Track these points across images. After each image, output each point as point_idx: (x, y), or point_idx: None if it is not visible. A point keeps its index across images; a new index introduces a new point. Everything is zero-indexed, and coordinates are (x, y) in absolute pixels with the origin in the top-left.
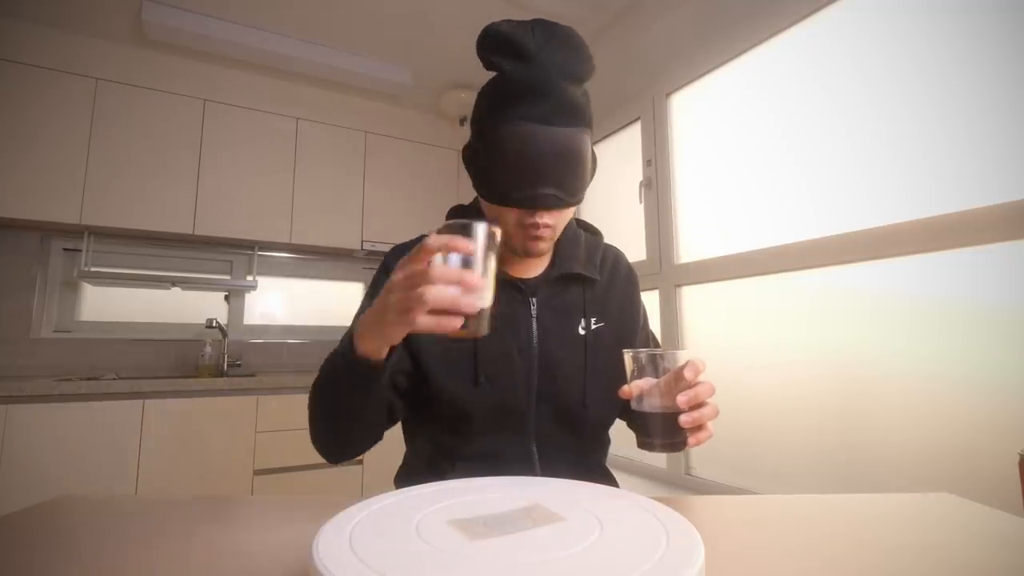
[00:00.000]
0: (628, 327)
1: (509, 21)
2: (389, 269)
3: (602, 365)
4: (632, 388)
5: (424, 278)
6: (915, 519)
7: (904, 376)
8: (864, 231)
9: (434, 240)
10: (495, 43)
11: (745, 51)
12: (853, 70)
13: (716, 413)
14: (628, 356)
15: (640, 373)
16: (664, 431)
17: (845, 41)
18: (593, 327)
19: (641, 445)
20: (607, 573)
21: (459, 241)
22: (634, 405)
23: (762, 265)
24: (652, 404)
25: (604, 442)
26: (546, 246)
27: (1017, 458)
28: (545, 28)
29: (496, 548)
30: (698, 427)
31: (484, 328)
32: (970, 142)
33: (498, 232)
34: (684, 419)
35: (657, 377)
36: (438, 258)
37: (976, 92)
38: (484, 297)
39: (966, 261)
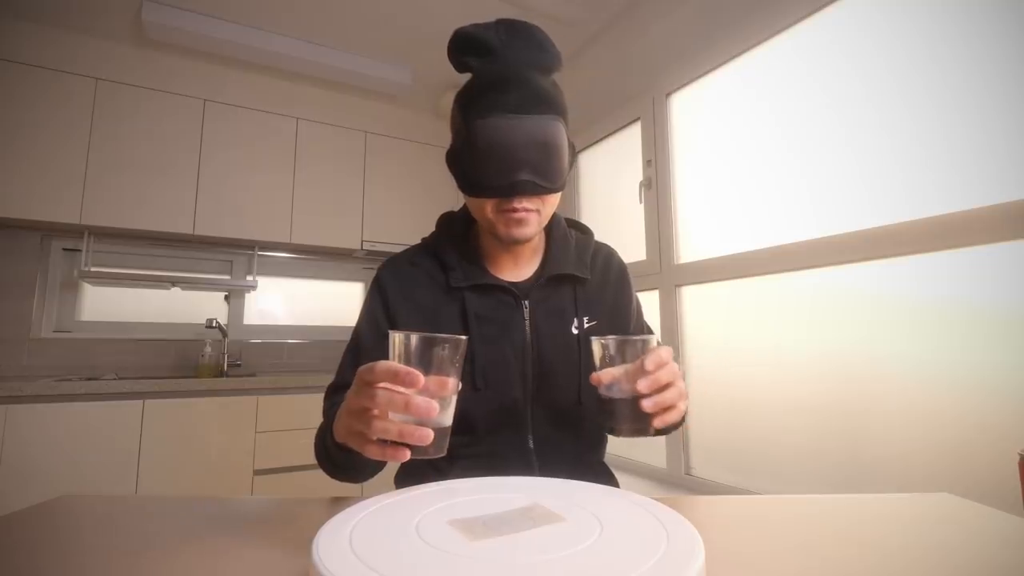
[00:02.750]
0: (621, 323)
1: (474, 24)
2: (381, 285)
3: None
4: (602, 375)
5: (371, 402)
6: (915, 519)
7: (904, 376)
8: (864, 231)
9: (381, 370)
10: (461, 44)
11: (745, 51)
12: (853, 70)
13: (682, 395)
14: (596, 343)
15: (609, 360)
16: (629, 417)
17: (845, 41)
18: (586, 326)
19: (608, 431)
20: (607, 573)
21: (400, 372)
22: (602, 392)
23: (762, 265)
24: (618, 390)
25: (602, 439)
26: (531, 231)
27: (1017, 458)
28: (507, 25)
29: (496, 548)
30: (664, 410)
31: (443, 449)
32: (970, 142)
33: (462, 341)
34: (646, 404)
35: (625, 363)
36: (391, 371)
37: (976, 92)
38: (441, 418)
39: (966, 261)
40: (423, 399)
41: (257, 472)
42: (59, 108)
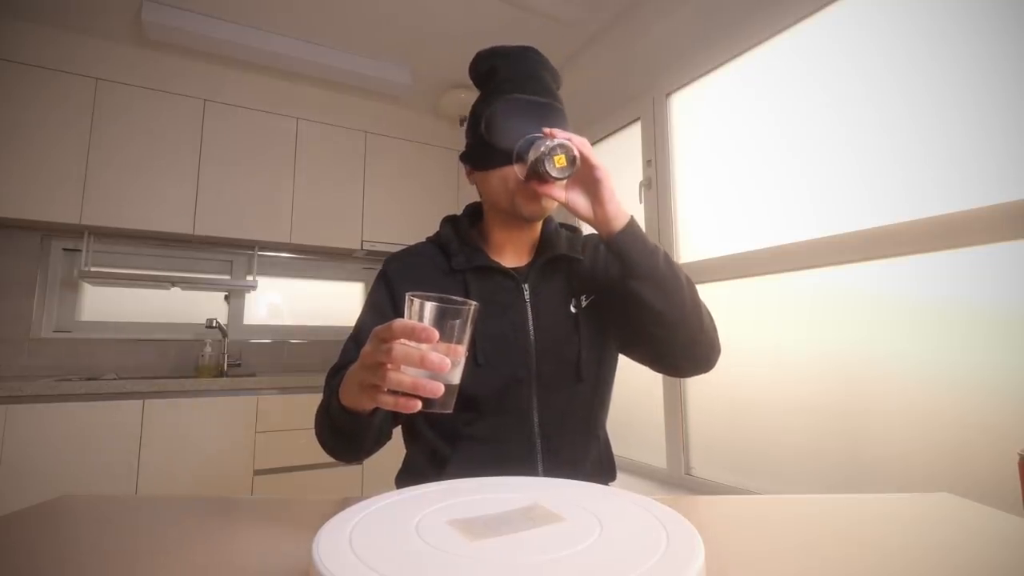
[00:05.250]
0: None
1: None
2: (387, 277)
3: (594, 339)
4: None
5: (387, 356)
6: (915, 519)
7: (904, 376)
8: (864, 231)
9: (398, 327)
10: (488, 52)
11: (745, 51)
12: (853, 70)
13: (583, 140)
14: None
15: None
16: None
17: (845, 41)
18: (584, 304)
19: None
20: (607, 573)
21: (416, 328)
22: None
23: (762, 265)
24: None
25: (602, 414)
26: (548, 208)
27: (1017, 458)
28: (524, 47)
29: (496, 548)
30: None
31: (450, 405)
32: (970, 142)
33: (473, 306)
34: (547, 131)
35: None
36: (408, 327)
37: (976, 92)
38: (451, 375)
39: (966, 261)
40: (437, 354)
41: (257, 472)
42: (59, 108)
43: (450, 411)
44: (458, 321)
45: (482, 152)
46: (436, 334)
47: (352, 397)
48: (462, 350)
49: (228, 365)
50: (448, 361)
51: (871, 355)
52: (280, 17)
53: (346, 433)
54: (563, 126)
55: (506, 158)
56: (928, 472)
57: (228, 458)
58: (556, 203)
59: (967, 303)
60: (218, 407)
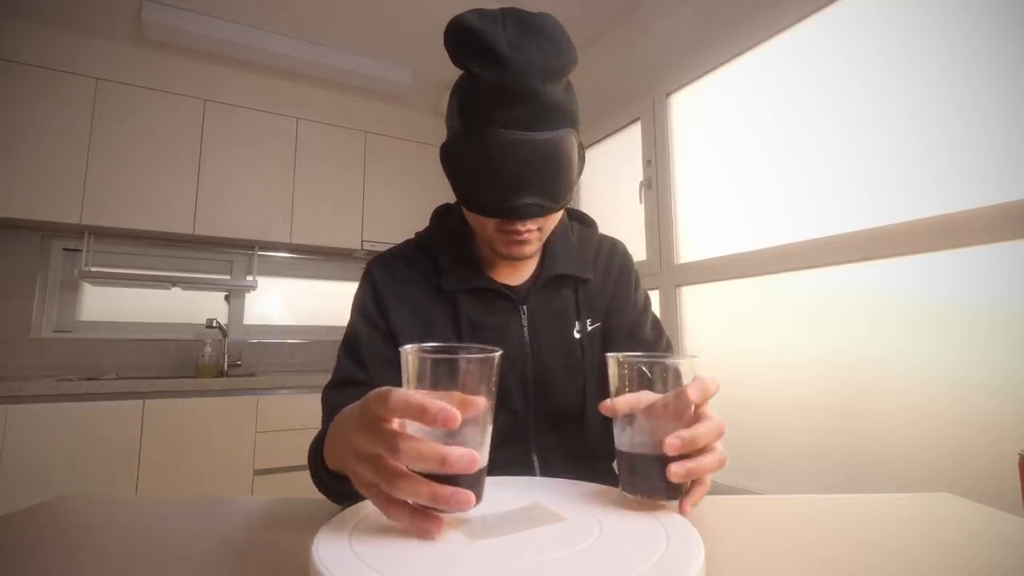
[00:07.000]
0: (619, 322)
1: (479, 12)
2: (372, 280)
3: (600, 370)
4: (617, 405)
5: (389, 450)
6: (915, 519)
7: (904, 376)
8: (864, 231)
9: (399, 403)
10: (463, 41)
11: (745, 51)
12: (853, 70)
13: (722, 463)
14: (612, 362)
15: (627, 386)
16: (647, 474)
17: (845, 41)
18: (589, 329)
19: (623, 486)
20: (607, 573)
21: (429, 410)
22: (617, 435)
23: (762, 265)
24: (635, 440)
25: (610, 451)
26: (532, 249)
27: (1017, 458)
28: (516, 20)
29: (496, 548)
30: (695, 481)
31: (481, 495)
32: (970, 142)
33: (496, 356)
34: (674, 470)
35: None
36: (414, 407)
37: (976, 92)
38: (480, 459)
39: (966, 261)
40: (463, 451)
41: (257, 472)
42: (59, 108)
43: (481, 501)
44: (474, 377)
45: (457, 179)
46: (458, 418)
47: (341, 466)
48: (484, 404)
49: (228, 365)
50: (478, 456)
51: (871, 355)
52: (281, 17)
53: (345, 495)
54: (569, 155)
55: (481, 208)
56: (928, 472)
57: (228, 458)
58: (547, 235)
59: (967, 303)
60: (218, 407)
